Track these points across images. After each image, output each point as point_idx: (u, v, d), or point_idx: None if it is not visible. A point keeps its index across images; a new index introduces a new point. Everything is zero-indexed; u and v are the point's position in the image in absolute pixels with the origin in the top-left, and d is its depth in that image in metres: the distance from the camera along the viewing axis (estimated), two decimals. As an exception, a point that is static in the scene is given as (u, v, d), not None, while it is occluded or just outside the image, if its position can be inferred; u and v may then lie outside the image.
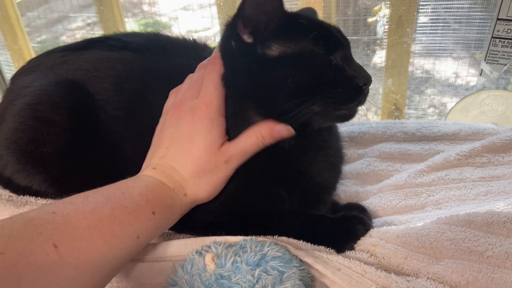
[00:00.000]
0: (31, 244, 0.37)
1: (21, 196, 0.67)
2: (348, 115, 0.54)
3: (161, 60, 0.67)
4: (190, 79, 0.58)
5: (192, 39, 0.73)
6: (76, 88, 0.65)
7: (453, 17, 1.06)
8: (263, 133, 0.53)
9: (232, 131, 0.54)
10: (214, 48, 0.61)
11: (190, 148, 0.52)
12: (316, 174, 0.59)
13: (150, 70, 0.65)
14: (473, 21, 1.02)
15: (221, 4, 1.17)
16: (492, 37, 0.73)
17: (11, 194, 0.68)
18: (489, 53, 0.73)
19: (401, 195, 0.67)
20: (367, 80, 0.52)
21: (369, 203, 0.68)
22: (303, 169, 0.58)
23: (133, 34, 0.74)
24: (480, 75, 0.77)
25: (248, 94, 0.54)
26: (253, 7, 0.51)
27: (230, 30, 0.54)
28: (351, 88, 0.51)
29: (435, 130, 0.79)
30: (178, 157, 0.52)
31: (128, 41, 0.69)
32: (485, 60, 0.74)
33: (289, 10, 0.54)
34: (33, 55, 1.45)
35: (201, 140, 0.52)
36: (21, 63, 1.42)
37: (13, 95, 0.68)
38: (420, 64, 1.18)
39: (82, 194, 0.45)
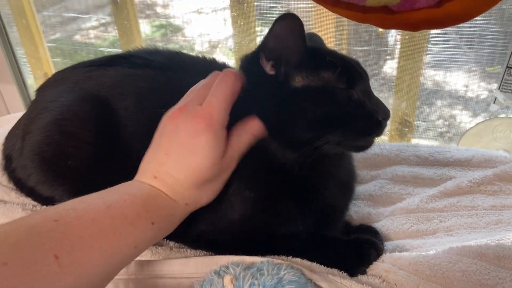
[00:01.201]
0: (34, 254, 0.37)
1: (45, 207, 0.69)
2: (365, 146, 0.56)
3: (181, 78, 0.69)
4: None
5: (213, 58, 0.75)
6: (100, 104, 0.67)
7: (466, 30, 1.07)
8: (253, 131, 0.55)
9: None
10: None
11: (193, 161, 0.52)
12: (329, 196, 0.61)
13: (171, 89, 0.67)
14: (486, 35, 1.03)
15: (235, 15, 1.19)
16: (507, 67, 0.74)
17: (35, 203, 0.70)
18: (504, 82, 0.74)
19: (413, 219, 0.68)
20: (386, 114, 0.54)
21: (381, 225, 0.69)
22: (316, 191, 0.60)
23: (156, 52, 0.76)
24: (494, 103, 0.78)
25: (266, 121, 0.55)
26: (276, 42, 0.52)
27: (253, 60, 0.55)
28: (371, 122, 0.53)
29: (448, 155, 0.81)
30: (179, 167, 0.52)
31: (151, 60, 0.71)
32: (499, 89, 0.75)
33: (312, 45, 0.56)
34: (48, 54, 1.48)
35: (206, 155, 0.51)
36: (38, 64, 1.46)
37: (39, 108, 0.70)
38: (430, 75, 1.19)
39: (83, 198, 0.46)
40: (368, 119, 0.54)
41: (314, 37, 0.67)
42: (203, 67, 0.73)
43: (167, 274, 0.57)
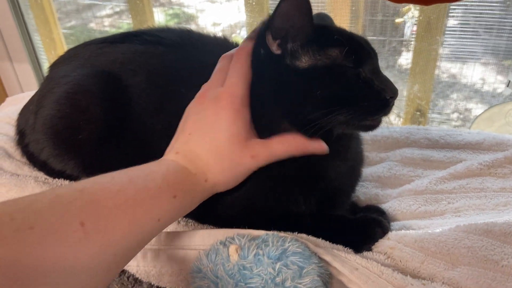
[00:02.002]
0: (59, 221, 0.37)
1: (56, 180, 0.71)
2: (373, 126, 0.55)
3: (192, 56, 0.69)
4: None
5: (223, 37, 0.75)
6: (111, 80, 0.68)
7: (483, 23, 1.05)
8: (296, 146, 0.54)
9: (260, 129, 0.55)
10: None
11: (213, 136, 0.53)
12: (335, 178, 0.61)
13: (181, 66, 0.67)
14: (504, 27, 1.01)
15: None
16: (522, 49, 0.72)
17: (47, 177, 0.72)
18: (518, 65, 0.72)
19: (421, 200, 0.68)
20: (394, 93, 0.53)
21: (389, 206, 0.69)
22: (322, 173, 0.60)
23: (167, 30, 0.76)
24: (508, 86, 0.77)
25: (273, 101, 0.55)
26: (282, 20, 0.52)
27: (260, 40, 0.55)
28: (378, 100, 0.53)
29: (459, 138, 0.80)
30: (201, 143, 0.53)
31: (162, 37, 0.72)
32: (513, 72, 0.74)
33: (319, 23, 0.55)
34: (63, 41, 1.50)
35: (225, 129, 0.52)
36: (53, 48, 1.48)
37: (52, 83, 0.71)
38: (446, 68, 1.17)
39: (108, 174, 0.46)
40: (376, 97, 0.53)
41: (325, 17, 0.67)
42: (214, 45, 0.73)
43: (173, 246, 0.58)
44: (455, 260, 0.50)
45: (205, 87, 0.57)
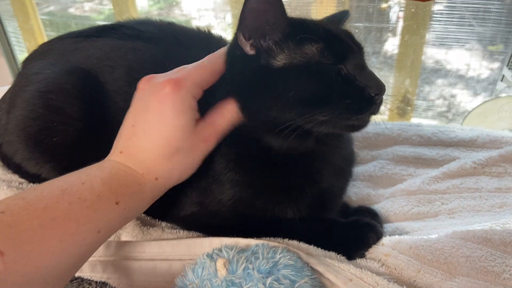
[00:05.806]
0: None
1: (31, 184, 0.67)
2: (359, 126, 0.52)
3: (173, 51, 0.65)
4: None
5: (208, 30, 0.71)
6: (87, 77, 0.63)
7: (469, 7, 1.03)
8: (230, 115, 0.52)
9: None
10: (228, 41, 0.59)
11: (160, 129, 0.48)
12: (324, 181, 0.58)
13: (161, 62, 0.63)
14: (489, 13, 1.00)
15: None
16: (518, 43, 0.70)
17: (21, 180, 0.68)
18: (513, 60, 0.71)
19: (413, 201, 0.66)
20: (380, 89, 0.49)
21: (381, 207, 0.67)
22: (310, 177, 0.57)
23: (147, 22, 0.72)
24: (501, 80, 0.75)
25: (248, 101, 0.52)
26: (254, 18, 0.48)
27: (234, 42, 0.51)
28: (362, 99, 0.49)
29: (451, 135, 0.78)
30: (146, 137, 0.48)
31: (142, 30, 0.67)
32: (507, 66, 0.72)
33: (295, 17, 0.52)
34: (42, 27, 1.43)
35: (173, 121, 0.48)
36: (30, 35, 1.41)
37: (24, 81, 0.66)
38: (431, 53, 1.15)
39: (38, 186, 0.41)
40: (359, 95, 0.49)
41: (342, 14, 0.62)
42: (197, 39, 0.69)
43: (158, 256, 0.55)
44: (453, 269, 0.48)
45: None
